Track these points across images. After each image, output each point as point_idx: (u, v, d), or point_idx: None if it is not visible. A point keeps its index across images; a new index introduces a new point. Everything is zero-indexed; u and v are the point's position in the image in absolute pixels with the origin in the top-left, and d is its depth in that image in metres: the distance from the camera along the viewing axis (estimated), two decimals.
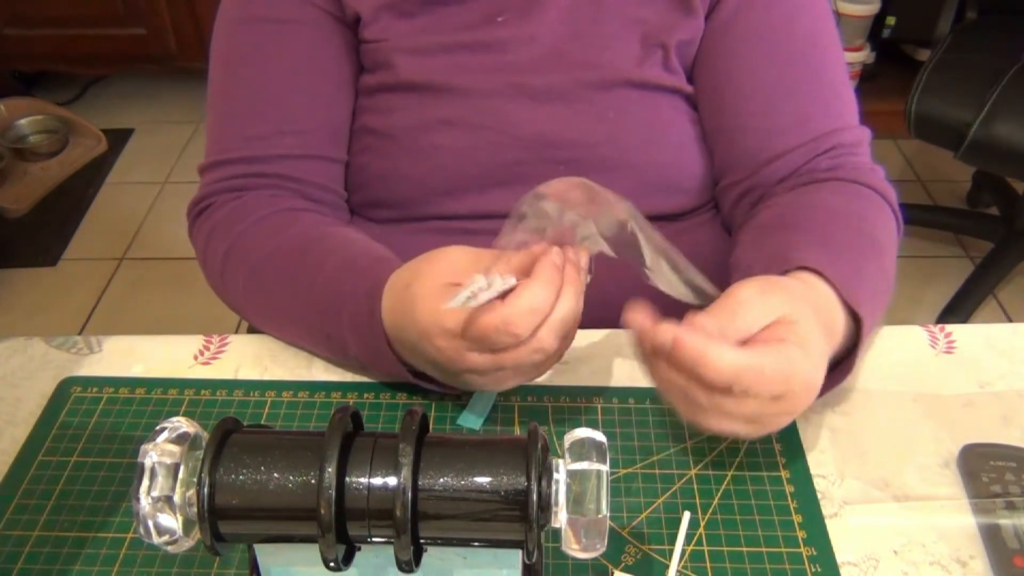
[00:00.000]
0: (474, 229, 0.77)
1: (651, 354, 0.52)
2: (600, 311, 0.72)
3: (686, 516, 0.56)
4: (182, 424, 0.43)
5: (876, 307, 0.62)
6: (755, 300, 0.52)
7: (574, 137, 0.74)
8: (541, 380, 0.65)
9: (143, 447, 0.42)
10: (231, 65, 0.76)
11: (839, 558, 0.54)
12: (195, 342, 0.70)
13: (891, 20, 2.18)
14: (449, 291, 0.52)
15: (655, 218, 0.77)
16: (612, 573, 0.54)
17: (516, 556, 0.46)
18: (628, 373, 0.67)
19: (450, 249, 0.57)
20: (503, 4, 0.75)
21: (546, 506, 0.42)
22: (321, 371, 0.67)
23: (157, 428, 0.43)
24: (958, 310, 1.78)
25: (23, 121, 2.33)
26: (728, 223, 0.80)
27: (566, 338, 0.54)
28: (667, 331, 0.49)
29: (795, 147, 0.72)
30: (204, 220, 0.73)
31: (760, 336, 0.51)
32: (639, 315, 0.51)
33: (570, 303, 0.53)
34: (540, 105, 0.74)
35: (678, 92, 0.76)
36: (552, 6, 0.75)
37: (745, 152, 0.75)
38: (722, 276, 0.79)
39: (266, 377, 0.67)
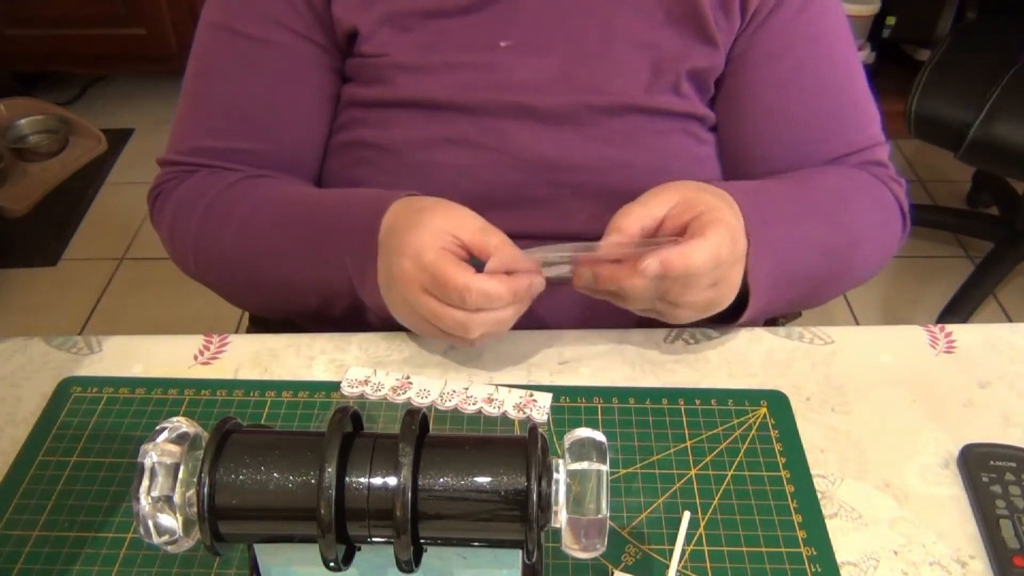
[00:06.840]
0: None
1: (624, 279, 0.60)
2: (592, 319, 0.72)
3: (686, 516, 0.56)
4: (182, 424, 0.43)
5: (791, 260, 0.66)
6: (654, 192, 0.62)
7: (579, 162, 0.73)
8: (540, 380, 0.66)
9: (143, 447, 0.42)
10: (205, 69, 0.76)
11: (839, 558, 0.54)
12: (195, 342, 0.70)
13: (891, 20, 2.18)
14: (446, 239, 0.60)
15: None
16: (612, 573, 0.54)
17: (516, 556, 0.46)
18: (628, 373, 0.67)
19: (466, 210, 0.63)
20: (507, 21, 0.73)
21: (546, 506, 0.42)
22: (321, 371, 0.67)
23: (157, 428, 0.43)
24: (958, 310, 1.78)
25: (23, 121, 2.32)
26: None
27: (486, 335, 0.61)
28: (653, 263, 0.57)
29: (848, 153, 0.76)
30: (164, 201, 0.75)
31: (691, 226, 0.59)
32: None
33: (509, 314, 0.61)
34: (546, 127, 0.73)
35: (690, 116, 0.75)
36: (558, 32, 0.73)
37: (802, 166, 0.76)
38: None
39: (266, 377, 0.67)
